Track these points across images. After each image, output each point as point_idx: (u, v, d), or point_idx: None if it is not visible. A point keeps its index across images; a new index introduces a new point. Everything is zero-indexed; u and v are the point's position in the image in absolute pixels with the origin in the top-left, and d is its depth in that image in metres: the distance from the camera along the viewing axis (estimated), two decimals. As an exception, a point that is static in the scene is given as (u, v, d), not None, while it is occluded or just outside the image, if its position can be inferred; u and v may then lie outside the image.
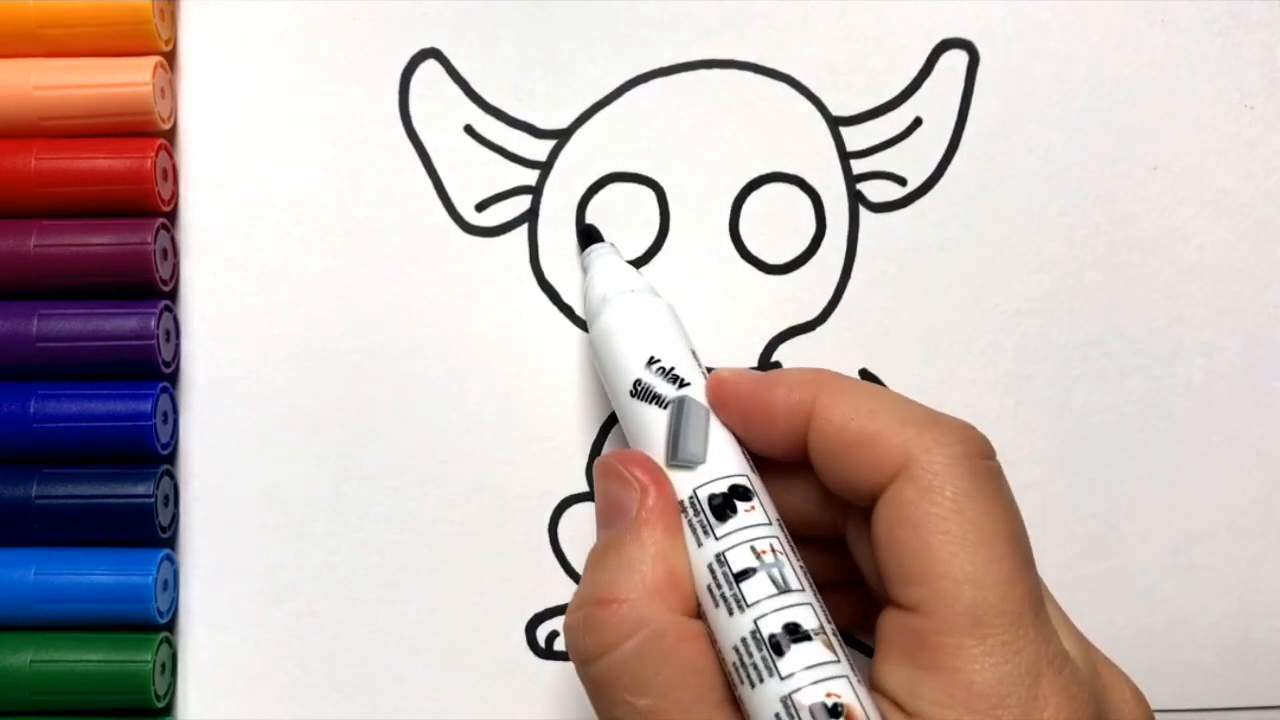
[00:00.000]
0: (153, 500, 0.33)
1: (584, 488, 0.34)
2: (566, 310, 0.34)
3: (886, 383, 0.34)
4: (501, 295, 0.34)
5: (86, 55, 0.33)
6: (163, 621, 0.33)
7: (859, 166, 0.34)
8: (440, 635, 0.34)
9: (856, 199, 0.34)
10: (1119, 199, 0.34)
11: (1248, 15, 0.34)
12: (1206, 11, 0.34)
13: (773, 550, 0.25)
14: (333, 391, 0.34)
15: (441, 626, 0.34)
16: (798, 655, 0.24)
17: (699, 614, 0.26)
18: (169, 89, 0.34)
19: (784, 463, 0.28)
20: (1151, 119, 0.34)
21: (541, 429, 0.34)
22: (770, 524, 0.26)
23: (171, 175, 0.34)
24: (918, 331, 0.34)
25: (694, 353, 0.29)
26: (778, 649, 0.24)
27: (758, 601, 0.24)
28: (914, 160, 0.34)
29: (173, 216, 0.34)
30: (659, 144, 0.34)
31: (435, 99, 0.34)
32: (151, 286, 0.33)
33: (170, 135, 0.34)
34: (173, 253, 0.34)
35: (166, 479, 0.34)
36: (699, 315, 0.34)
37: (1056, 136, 0.34)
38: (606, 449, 0.34)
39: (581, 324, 0.34)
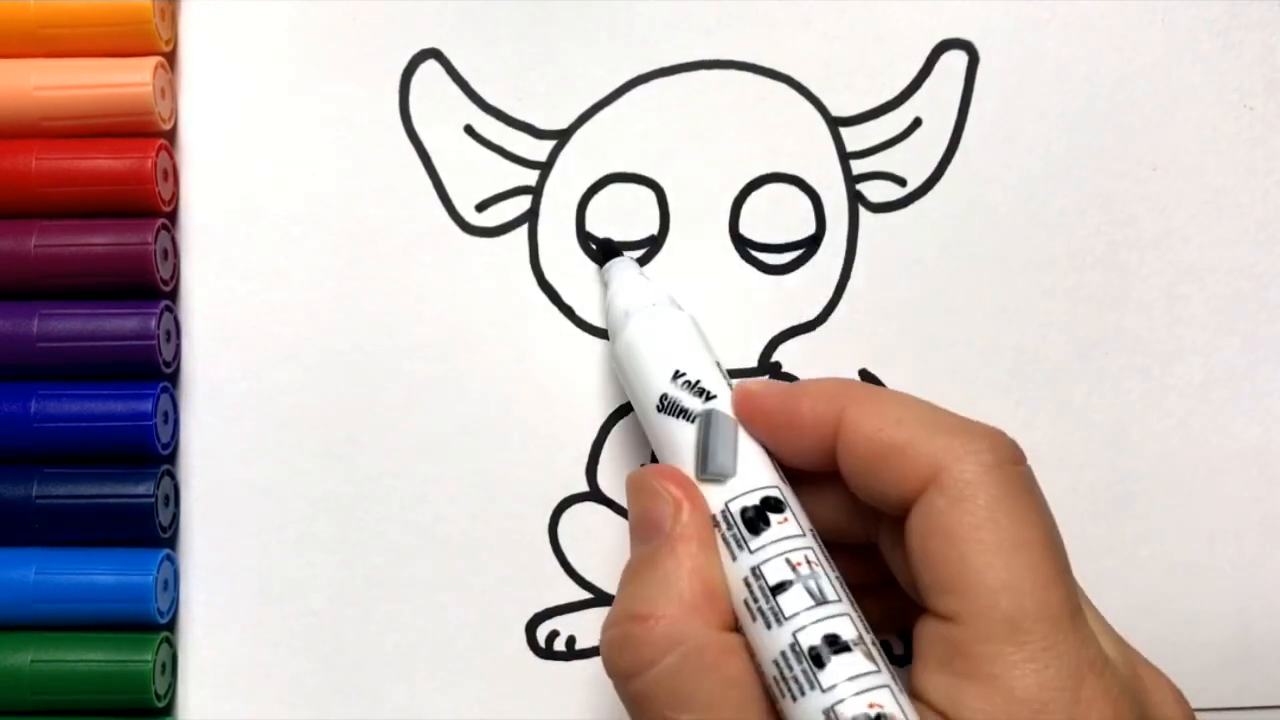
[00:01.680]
0: (153, 500, 0.33)
1: (584, 488, 0.34)
2: (566, 310, 0.34)
3: (886, 383, 0.34)
4: (501, 295, 0.34)
5: (87, 55, 0.33)
6: (163, 621, 0.33)
7: (859, 166, 0.34)
8: (440, 635, 0.34)
9: (856, 199, 0.34)
10: (1119, 199, 0.34)
11: (1248, 15, 0.34)
12: (1206, 11, 0.34)
13: (808, 561, 0.25)
14: (333, 391, 0.34)
15: (441, 626, 0.34)
16: (838, 667, 0.23)
17: (736, 628, 0.25)
18: (169, 89, 0.34)
19: (814, 472, 0.28)
20: (1151, 119, 0.34)
21: (541, 429, 0.34)
22: (804, 535, 0.26)
23: (172, 175, 0.34)
24: (918, 331, 0.34)
25: (719, 365, 0.29)
26: (818, 661, 0.23)
27: (795, 614, 0.24)
28: (914, 160, 0.34)
29: (173, 216, 0.34)
30: (659, 144, 0.34)
31: (435, 99, 0.34)
32: (152, 287, 0.33)
33: (170, 135, 0.34)
34: (173, 253, 0.34)
35: (167, 479, 0.34)
36: (699, 315, 0.34)
37: (1056, 136, 0.34)
38: (607, 449, 0.34)
39: (581, 324, 0.34)
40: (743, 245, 0.34)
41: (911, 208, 0.34)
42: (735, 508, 0.26)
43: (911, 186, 0.34)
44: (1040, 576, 0.24)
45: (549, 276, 0.34)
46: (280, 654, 0.34)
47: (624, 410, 0.34)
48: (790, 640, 0.24)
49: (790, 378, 0.34)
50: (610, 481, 0.34)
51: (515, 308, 0.34)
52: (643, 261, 0.34)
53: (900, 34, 0.34)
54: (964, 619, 0.23)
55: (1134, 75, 0.34)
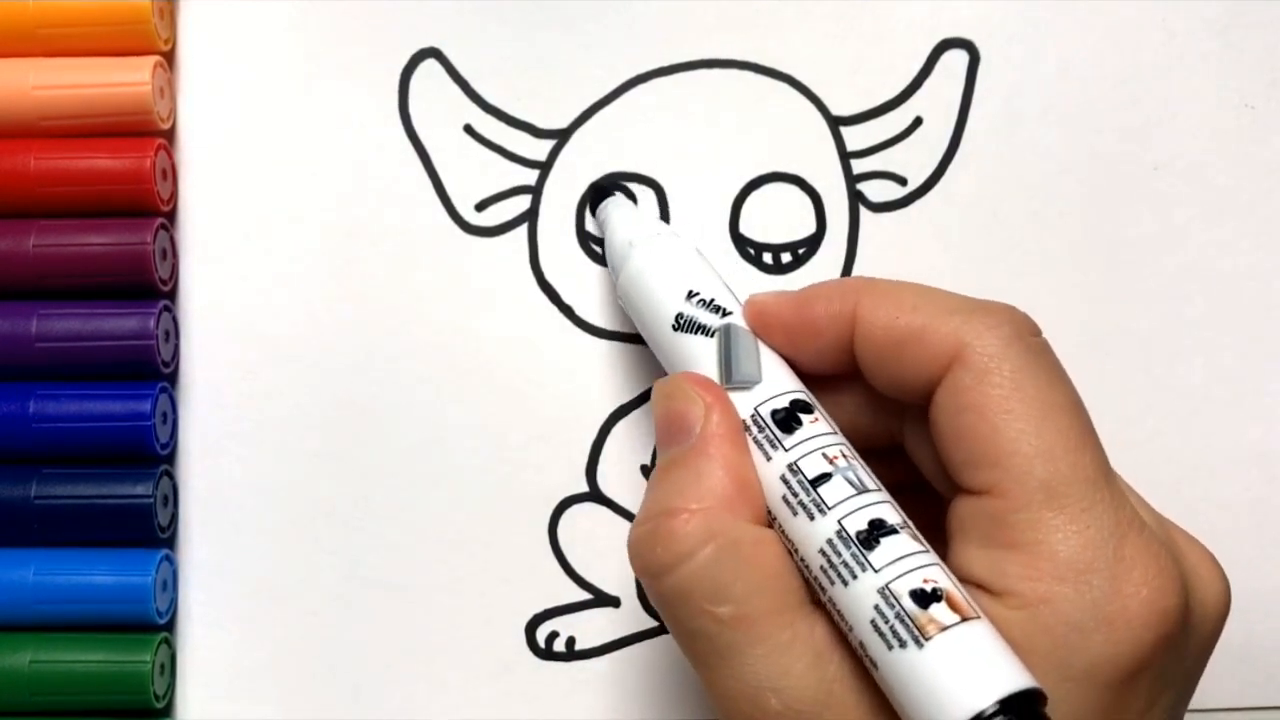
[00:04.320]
0: (152, 500, 0.33)
1: (584, 488, 0.34)
2: (566, 310, 0.34)
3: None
4: (501, 295, 0.34)
5: (85, 55, 0.33)
6: (162, 622, 0.33)
7: (859, 166, 0.34)
8: (440, 635, 0.34)
9: (856, 199, 0.34)
10: (1119, 199, 0.34)
11: (1248, 15, 0.34)
12: (1206, 11, 0.34)
13: (843, 455, 0.25)
14: (332, 391, 0.34)
15: (441, 626, 0.34)
16: (889, 547, 0.24)
17: (769, 527, 0.26)
18: (168, 89, 0.34)
19: (831, 379, 0.28)
20: (1151, 119, 0.34)
21: (541, 429, 0.34)
22: (835, 432, 0.26)
23: (171, 175, 0.34)
24: (918, 331, 0.34)
25: (727, 285, 0.29)
26: (868, 544, 0.24)
27: (839, 503, 0.24)
28: (914, 160, 0.34)
29: (172, 216, 0.34)
30: (659, 143, 0.34)
31: (435, 99, 0.34)
32: (151, 286, 0.33)
33: (169, 135, 0.34)
34: (172, 253, 0.34)
35: (166, 479, 0.33)
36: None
37: (1056, 136, 0.34)
38: (606, 449, 0.34)
39: (581, 324, 0.34)
40: (743, 245, 0.34)
41: (912, 207, 0.34)
42: (765, 410, 0.26)
43: (912, 186, 0.34)
44: (1071, 440, 0.24)
45: (549, 276, 0.34)
46: (279, 654, 0.34)
47: (624, 410, 0.34)
48: (836, 528, 0.24)
49: (790, 378, 0.34)
50: (610, 481, 0.34)
51: (515, 308, 0.34)
52: (643, 261, 0.34)
53: (901, 33, 0.34)
54: (1000, 490, 0.24)
55: (1134, 75, 0.34)
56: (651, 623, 0.34)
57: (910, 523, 0.25)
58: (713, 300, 0.29)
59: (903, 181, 0.34)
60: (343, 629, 0.34)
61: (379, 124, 0.34)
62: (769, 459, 0.26)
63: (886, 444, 0.28)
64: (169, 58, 0.34)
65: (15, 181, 0.33)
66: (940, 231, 0.34)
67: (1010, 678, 0.22)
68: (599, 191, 0.34)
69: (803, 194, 0.34)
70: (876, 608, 0.23)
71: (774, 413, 0.26)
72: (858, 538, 0.24)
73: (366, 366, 0.34)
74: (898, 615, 0.23)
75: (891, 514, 0.24)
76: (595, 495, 0.34)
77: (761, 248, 0.34)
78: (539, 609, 0.34)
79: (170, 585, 0.34)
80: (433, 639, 0.34)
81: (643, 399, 0.34)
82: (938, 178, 0.34)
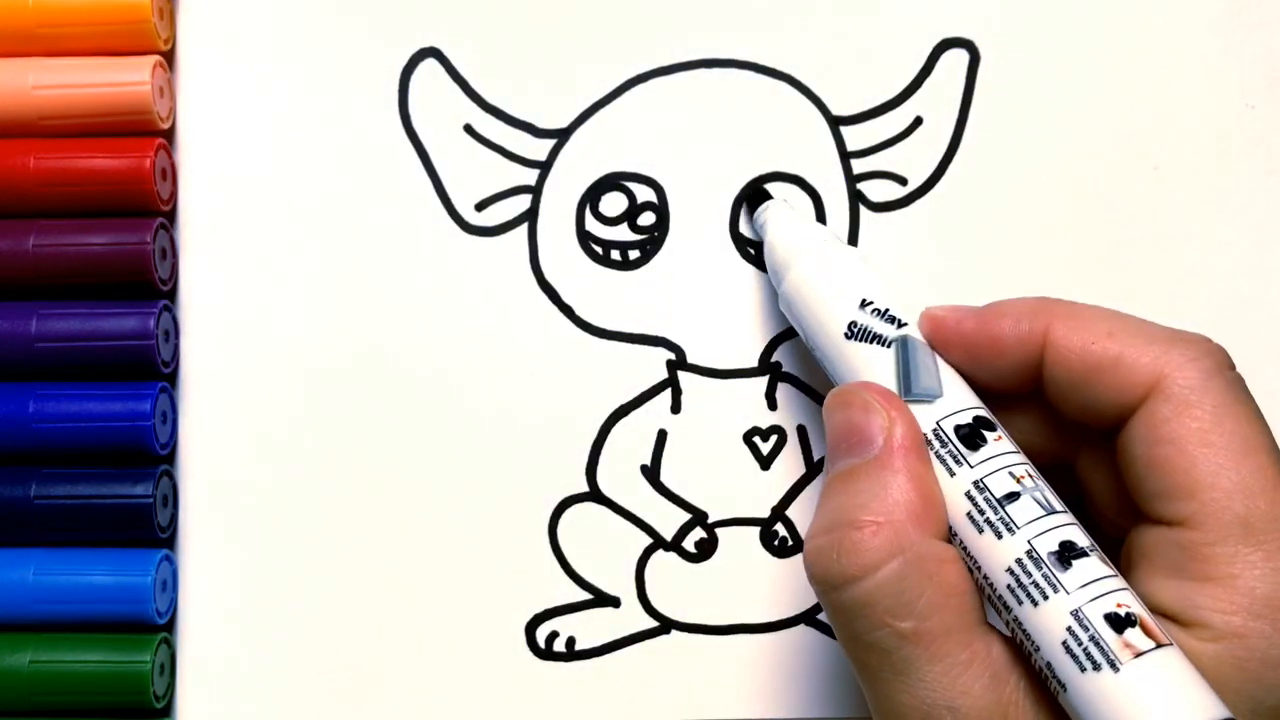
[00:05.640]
0: (152, 500, 0.33)
1: (584, 488, 0.34)
2: (566, 310, 0.34)
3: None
4: (501, 295, 0.34)
5: (85, 55, 0.33)
6: (162, 622, 0.33)
7: (859, 166, 0.34)
8: (440, 635, 0.34)
9: (856, 199, 0.34)
10: (1119, 199, 0.34)
11: (1248, 15, 0.34)
12: (1206, 11, 0.34)
13: (1029, 475, 0.25)
14: (332, 391, 0.34)
15: (441, 626, 0.34)
16: (1081, 569, 0.24)
17: (949, 542, 0.26)
18: (168, 88, 0.34)
19: (1003, 397, 0.28)
20: (1151, 119, 0.34)
21: (541, 429, 0.34)
22: (1018, 451, 0.26)
23: (170, 175, 0.34)
24: (918, 331, 0.34)
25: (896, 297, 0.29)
26: (1060, 565, 0.24)
27: (1029, 522, 0.24)
28: (914, 159, 0.34)
29: (172, 216, 0.34)
30: (659, 143, 0.34)
31: (435, 99, 0.34)
32: (150, 286, 0.33)
33: (169, 135, 0.34)
34: (172, 252, 0.34)
35: (166, 479, 0.33)
36: (699, 315, 0.34)
37: (1056, 136, 0.34)
38: (606, 449, 0.34)
39: (581, 323, 0.34)
40: (743, 245, 0.34)
41: (912, 207, 0.34)
42: (948, 425, 0.26)
43: (912, 186, 0.34)
44: (1270, 478, 0.24)
45: (549, 276, 0.34)
46: (279, 654, 0.34)
47: (624, 410, 0.34)
48: (1026, 548, 0.24)
49: (791, 377, 0.34)
50: (610, 481, 0.34)
51: (515, 308, 0.34)
52: (642, 261, 0.34)
53: (901, 33, 0.34)
54: (1195, 522, 0.24)
55: (1134, 75, 0.34)
56: (651, 623, 0.34)
57: (1097, 546, 0.25)
58: (887, 310, 0.28)
59: (903, 181, 0.34)
60: (342, 629, 0.34)
61: (379, 124, 0.34)
62: (952, 475, 0.26)
63: (1054, 464, 0.28)
64: (169, 57, 0.34)
65: (15, 181, 0.33)
66: (940, 231, 0.34)
67: (1207, 707, 0.22)
68: (755, 194, 0.33)
69: (803, 194, 0.34)
70: (1069, 629, 0.23)
71: (957, 428, 0.26)
72: (1049, 558, 0.24)
73: (366, 366, 0.34)
74: (1091, 638, 0.23)
75: (1081, 536, 0.24)
76: (595, 495, 0.34)
77: (762, 247, 0.34)
78: (539, 609, 0.34)
79: (170, 585, 0.34)
80: (433, 639, 0.34)
81: (643, 399, 0.34)
82: (938, 178, 0.34)
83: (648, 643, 0.34)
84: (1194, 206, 0.34)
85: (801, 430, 0.34)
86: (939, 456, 0.26)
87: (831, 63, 0.34)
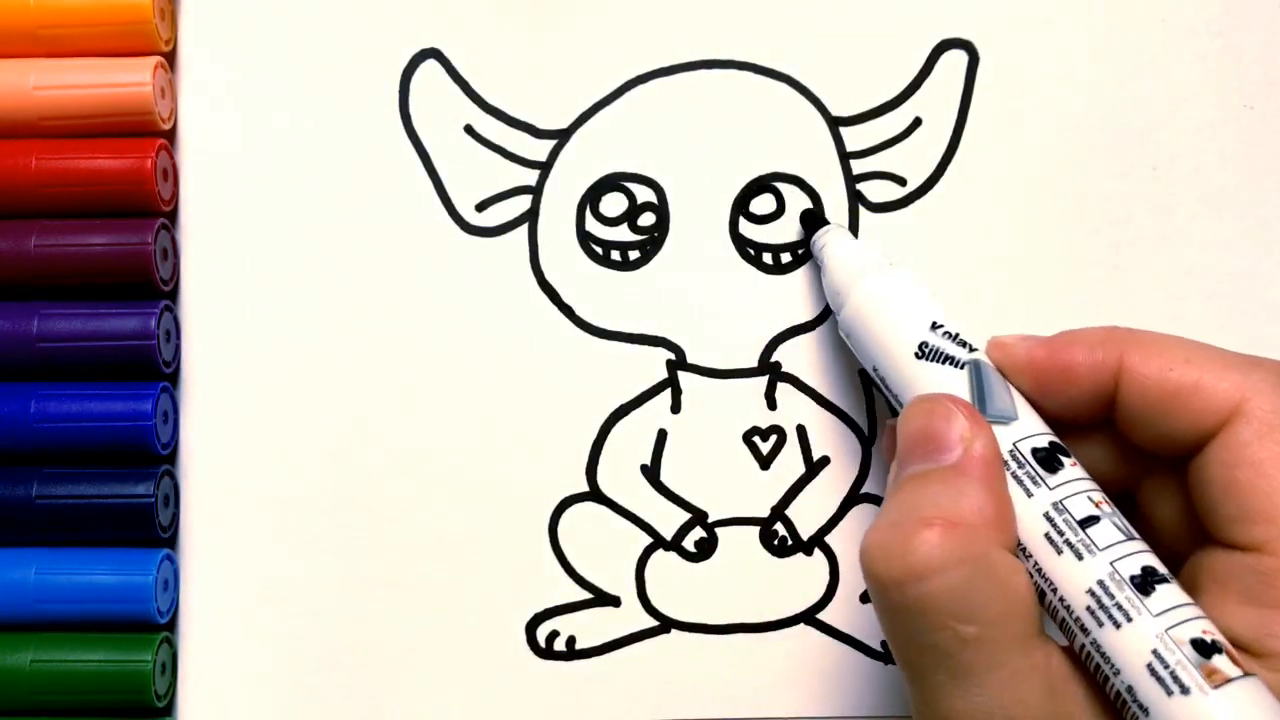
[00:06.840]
0: (153, 500, 0.33)
1: (584, 488, 0.34)
2: (566, 310, 0.34)
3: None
4: (501, 295, 0.34)
5: (86, 55, 0.33)
6: (163, 621, 0.33)
7: (859, 166, 0.34)
8: (440, 635, 0.34)
9: (856, 199, 0.34)
10: (1119, 199, 0.34)
11: (1248, 15, 0.34)
12: (1206, 11, 0.34)
13: (1106, 501, 0.25)
14: (333, 391, 0.34)
15: (441, 626, 0.34)
16: (1165, 595, 0.24)
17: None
18: (169, 89, 0.34)
19: (1066, 425, 0.28)
20: (1151, 119, 0.34)
21: (542, 429, 0.34)
22: (1089, 478, 0.26)
23: (172, 175, 0.34)
24: (918, 331, 0.34)
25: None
26: (1143, 589, 0.24)
27: (1110, 545, 0.24)
28: (914, 160, 0.34)
29: (173, 216, 0.34)
30: (659, 144, 0.34)
31: (435, 99, 0.34)
32: (151, 286, 0.33)
33: (170, 135, 0.34)
34: (173, 252, 0.34)
35: (167, 479, 0.34)
36: (699, 315, 0.34)
37: (1056, 136, 0.34)
38: (606, 449, 0.34)
39: (581, 324, 0.34)
40: (743, 245, 0.34)
41: (911, 208, 0.34)
42: (1024, 447, 0.26)
43: (911, 186, 0.34)
44: None
45: (549, 276, 0.34)
46: (280, 654, 0.34)
47: (624, 410, 0.34)
48: (1108, 570, 0.24)
49: (791, 377, 0.34)
50: (610, 481, 0.34)
51: (515, 308, 0.34)
52: (642, 261, 0.34)
53: (900, 33, 0.34)
54: (1272, 548, 0.24)
55: (1134, 75, 0.34)
56: (651, 622, 0.34)
57: (1172, 575, 0.25)
58: (958, 335, 0.29)
59: (902, 181, 0.34)
60: (343, 628, 0.34)
61: (379, 124, 0.34)
62: (1029, 495, 0.26)
63: (1112, 493, 0.28)
64: (170, 58, 0.34)
65: (16, 182, 0.33)
66: (940, 231, 0.34)
67: None
68: (812, 219, 0.33)
69: (803, 194, 0.34)
70: (1155, 652, 0.23)
71: (1034, 450, 0.26)
72: (1132, 582, 0.24)
73: (366, 366, 0.34)
74: (1179, 662, 0.23)
75: (1158, 563, 0.24)
76: (595, 495, 0.34)
77: (761, 248, 0.34)
78: (539, 609, 0.34)
79: (171, 585, 0.34)
80: (433, 639, 0.34)
81: (643, 399, 0.34)
82: (938, 178, 0.34)
83: (648, 642, 0.34)
84: (1194, 206, 0.34)
85: (801, 430, 0.34)
86: (1015, 477, 0.26)
87: (831, 63, 0.34)
